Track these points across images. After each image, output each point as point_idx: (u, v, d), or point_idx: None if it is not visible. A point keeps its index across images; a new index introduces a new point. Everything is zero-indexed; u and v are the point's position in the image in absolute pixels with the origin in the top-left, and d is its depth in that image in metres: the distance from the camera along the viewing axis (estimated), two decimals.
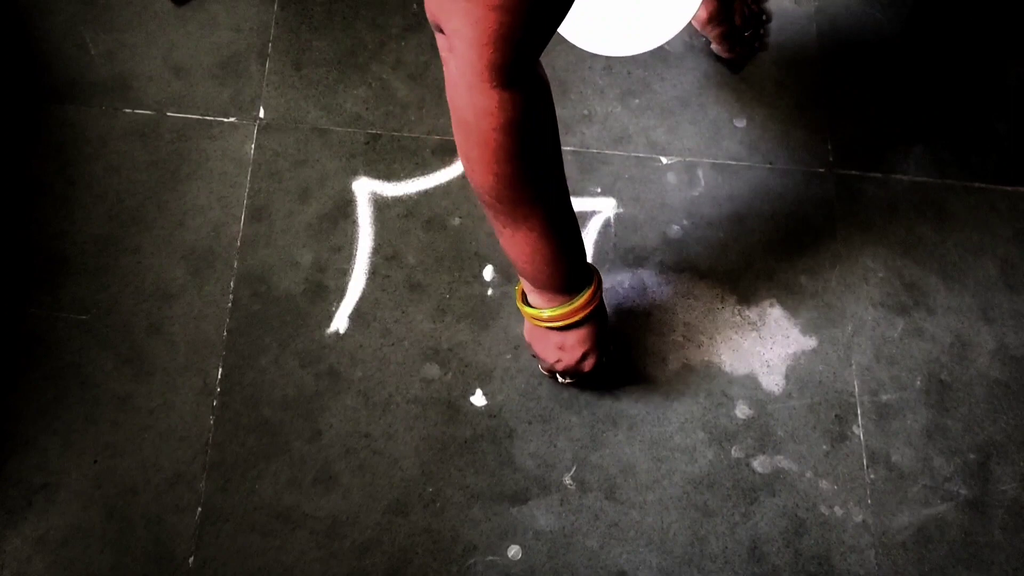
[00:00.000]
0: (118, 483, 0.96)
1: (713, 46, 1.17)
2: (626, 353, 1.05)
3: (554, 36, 0.71)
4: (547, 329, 0.84)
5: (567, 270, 0.77)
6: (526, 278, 0.80)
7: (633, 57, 1.19)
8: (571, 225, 0.76)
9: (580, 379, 0.94)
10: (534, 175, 0.67)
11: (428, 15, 0.63)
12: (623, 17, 0.84)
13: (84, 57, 1.14)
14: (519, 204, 0.68)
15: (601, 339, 0.85)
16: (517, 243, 0.73)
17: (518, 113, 0.62)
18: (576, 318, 0.81)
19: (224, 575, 0.94)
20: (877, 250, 1.12)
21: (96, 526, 0.95)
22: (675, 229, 1.12)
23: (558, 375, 0.94)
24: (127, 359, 1.01)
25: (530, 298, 0.83)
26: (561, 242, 0.74)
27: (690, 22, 1.18)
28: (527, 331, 0.89)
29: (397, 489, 0.98)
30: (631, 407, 1.03)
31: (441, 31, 0.62)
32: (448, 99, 0.66)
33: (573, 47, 1.19)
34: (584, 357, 0.85)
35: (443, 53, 0.64)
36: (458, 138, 0.67)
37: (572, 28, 0.78)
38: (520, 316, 1.06)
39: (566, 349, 0.85)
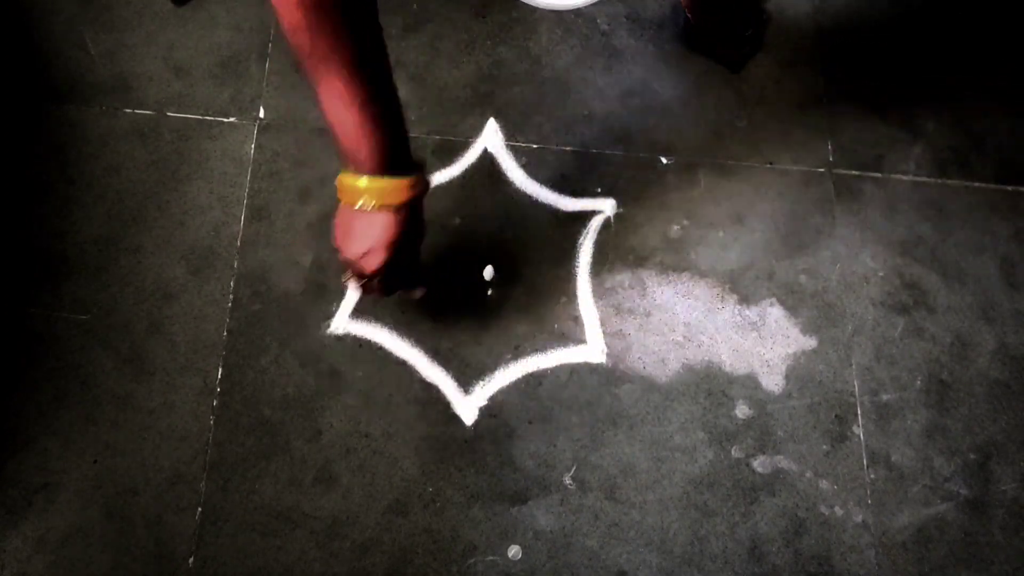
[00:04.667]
0: (118, 483, 0.97)
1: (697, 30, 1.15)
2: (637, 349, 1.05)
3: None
4: (350, 209, 0.77)
5: (383, 142, 0.72)
6: (340, 145, 0.73)
7: (633, 57, 1.19)
8: (388, 96, 0.72)
9: (370, 286, 0.85)
10: (344, 25, 0.65)
11: None
12: None
13: (84, 57, 1.14)
14: (326, 55, 0.66)
15: (399, 243, 0.77)
16: (327, 98, 0.69)
17: None
18: (382, 200, 0.74)
19: (224, 575, 0.94)
20: (877, 249, 1.12)
21: (96, 526, 0.95)
22: (675, 229, 1.11)
23: (350, 282, 0.86)
24: (127, 359, 1.01)
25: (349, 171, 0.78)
26: (376, 109, 0.70)
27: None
28: (336, 216, 0.82)
29: (397, 489, 0.98)
30: (631, 407, 1.03)
31: None
32: None
33: (573, 47, 1.19)
34: (371, 252, 0.77)
35: None
36: None
37: None
38: (519, 315, 1.06)
39: (355, 235, 0.77)
